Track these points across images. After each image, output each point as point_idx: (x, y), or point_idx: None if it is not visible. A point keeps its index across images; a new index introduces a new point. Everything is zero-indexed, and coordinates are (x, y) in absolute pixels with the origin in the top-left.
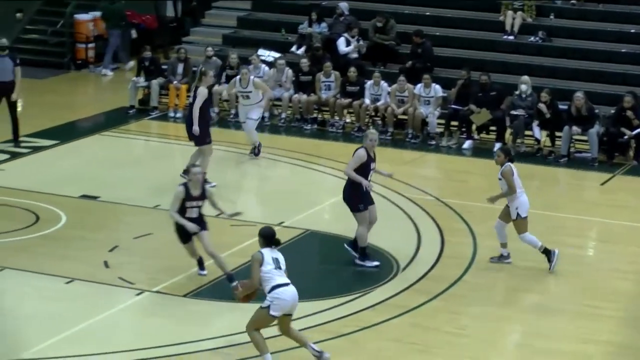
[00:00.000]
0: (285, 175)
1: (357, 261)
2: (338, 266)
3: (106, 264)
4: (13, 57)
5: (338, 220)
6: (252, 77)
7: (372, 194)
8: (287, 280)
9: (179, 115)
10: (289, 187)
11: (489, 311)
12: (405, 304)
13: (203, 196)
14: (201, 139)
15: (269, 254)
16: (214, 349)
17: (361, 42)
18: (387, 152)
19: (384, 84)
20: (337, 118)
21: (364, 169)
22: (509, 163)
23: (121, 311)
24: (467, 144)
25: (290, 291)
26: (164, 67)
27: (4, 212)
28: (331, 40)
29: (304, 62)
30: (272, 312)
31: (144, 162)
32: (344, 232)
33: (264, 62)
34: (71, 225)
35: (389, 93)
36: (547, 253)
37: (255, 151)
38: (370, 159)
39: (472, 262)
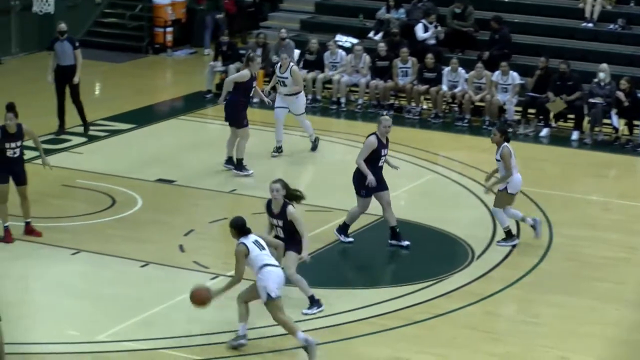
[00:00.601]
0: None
1: (335, 231)
2: (412, 253)
3: (181, 248)
4: (72, 40)
5: (413, 207)
6: (293, 65)
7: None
8: (276, 262)
9: (255, 100)
10: None
11: (563, 300)
12: (480, 291)
13: (280, 216)
14: (238, 121)
15: (249, 241)
16: (285, 334)
17: (439, 29)
18: (464, 139)
19: (461, 70)
20: (413, 104)
21: (375, 155)
22: (506, 143)
23: None
24: (544, 131)
25: (279, 272)
26: (242, 52)
27: (80, 195)
28: (409, 26)
29: (382, 47)
30: (273, 295)
31: (220, 146)
32: (419, 219)
33: (341, 47)
34: (147, 209)
35: (466, 80)
36: (509, 235)
37: (312, 146)
38: (382, 145)
39: (547, 251)
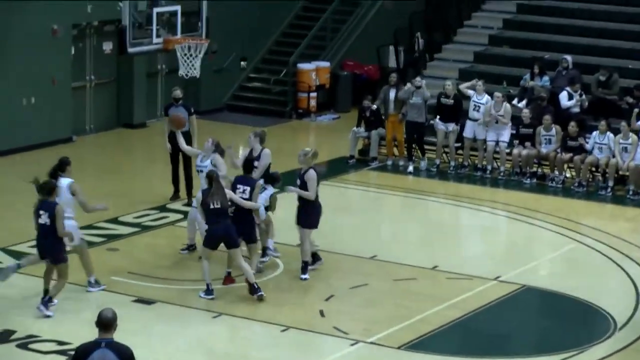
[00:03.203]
0: (503, 229)
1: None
2: (554, 323)
3: (322, 313)
4: (187, 106)
5: (555, 276)
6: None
7: None
8: None
9: (400, 162)
10: (506, 241)
11: None
12: None
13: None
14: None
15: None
16: None
17: (583, 97)
18: (607, 208)
19: (609, 134)
20: (557, 172)
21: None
22: None
23: None
24: None
25: None
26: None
27: (223, 258)
28: (553, 94)
29: (525, 114)
30: None
31: (362, 212)
32: (561, 288)
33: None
34: (288, 273)
35: (613, 143)
36: None
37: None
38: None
39: None
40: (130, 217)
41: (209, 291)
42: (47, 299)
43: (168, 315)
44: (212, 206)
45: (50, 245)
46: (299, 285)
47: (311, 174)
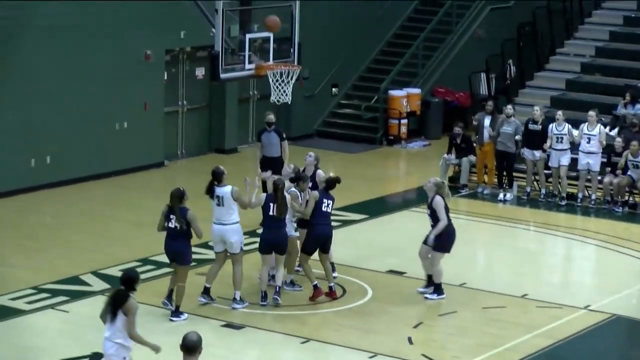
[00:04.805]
0: (593, 257)
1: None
2: None
3: (410, 340)
4: (279, 131)
5: None
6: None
7: None
8: None
9: (486, 192)
10: (596, 270)
11: None
12: None
13: None
14: None
15: None
16: None
17: None
18: None
19: None
20: None
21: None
22: None
23: None
24: None
25: None
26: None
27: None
28: None
29: (618, 143)
30: None
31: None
32: None
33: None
34: (377, 300)
35: None
36: None
37: None
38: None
39: None
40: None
41: (262, 297)
42: (175, 311)
43: (256, 340)
44: (270, 212)
45: (178, 248)
46: (387, 312)
47: (437, 201)
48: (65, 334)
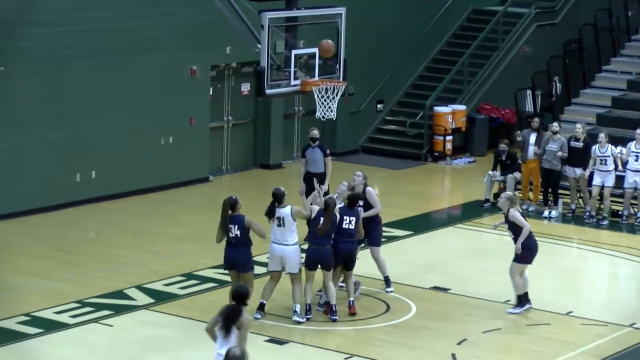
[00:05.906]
0: (638, 275)
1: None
2: None
3: (454, 357)
4: (323, 148)
5: None
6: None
7: None
8: None
9: (531, 209)
10: None
11: None
12: None
13: None
14: None
15: None
16: None
17: None
18: None
19: None
20: None
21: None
22: None
23: None
24: None
25: None
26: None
27: (356, 300)
28: None
29: None
30: None
31: (496, 256)
32: None
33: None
34: (420, 316)
35: None
36: None
37: None
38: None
39: None
40: (264, 256)
41: (307, 310)
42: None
43: (300, 356)
44: (314, 229)
45: (239, 254)
46: (431, 328)
47: (513, 213)
48: (109, 348)
